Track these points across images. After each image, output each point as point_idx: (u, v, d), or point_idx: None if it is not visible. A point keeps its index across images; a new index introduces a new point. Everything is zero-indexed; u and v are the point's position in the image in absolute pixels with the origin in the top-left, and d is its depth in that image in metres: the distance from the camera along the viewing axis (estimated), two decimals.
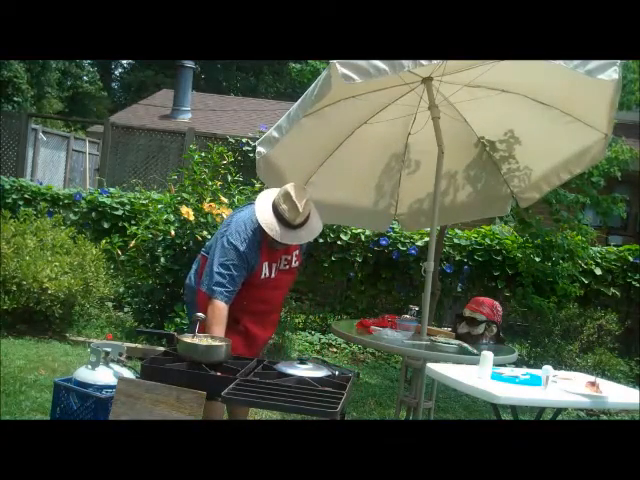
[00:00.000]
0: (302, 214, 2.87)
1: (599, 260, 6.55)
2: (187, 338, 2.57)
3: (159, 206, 6.19)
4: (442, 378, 2.75)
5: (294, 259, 3.13)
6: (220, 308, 2.85)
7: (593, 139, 3.53)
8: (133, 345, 5.34)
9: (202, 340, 2.57)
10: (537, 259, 6.14)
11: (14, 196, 7.41)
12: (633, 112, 7.10)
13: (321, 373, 2.46)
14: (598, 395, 2.53)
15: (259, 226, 2.91)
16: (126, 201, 7.19)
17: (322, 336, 6.63)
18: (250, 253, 2.91)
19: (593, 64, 2.64)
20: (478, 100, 3.55)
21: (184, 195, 5.89)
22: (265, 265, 2.99)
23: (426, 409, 3.70)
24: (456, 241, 6.65)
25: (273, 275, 3.04)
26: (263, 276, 3.00)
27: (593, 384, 2.58)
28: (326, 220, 3.51)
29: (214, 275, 2.87)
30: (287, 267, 3.11)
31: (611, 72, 2.64)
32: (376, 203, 4.23)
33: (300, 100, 3.09)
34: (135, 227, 6.30)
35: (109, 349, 2.81)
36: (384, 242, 6.62)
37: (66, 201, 7.40)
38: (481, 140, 3.93)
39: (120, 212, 7.09)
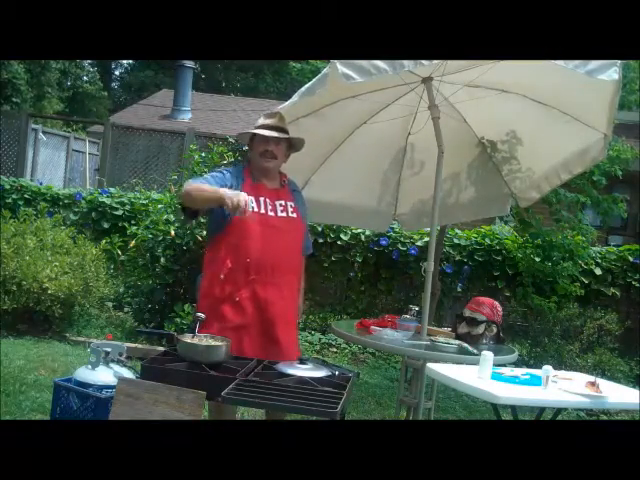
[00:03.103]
0: (281, 119, 3.04)
1: (599, 260, 6.53)
2: (187, 338, 2.57)
3: (159, 206, 6.19)
4: (442, 378, 2.75)
5: (290, 209, 3.08)
6: (189, 184, 3.00)
7: (593, 139, 3.53)
8: (133, 345, 5.33)
9: (202, 340, 2.58)
10: (537, 259, 6.13)
11: (14, 196, 7.40)
12: (633, 112, 7.10)
13: (321, 373, 2.46)
14: (598, 395, 2.53)
15: (240, 168, 3.15)
16: (126, 201, 7.18)
17: (322, 336, 6.62)
18: (230, 175, 3.05)
19: (593, 64, 2.64)
20: (478, 100, 3.55)
21: None
22: (251, 198, 2.95)
23: (426, 409, 3.70)
24: (456, 241, 6.64)
25: (265, 212, 3.01)
26: (250, 208, 2.94)
27: (593, 384, 2.58)
28: (326, 220, 3.51)
29: None
30: (285, 214, 3.06)
31: (611, 72, 2.64)
32: (376, 203, 4.22)
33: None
34: (135, 227, 6.30)
35: (109, 349, 2.81)
36: (384, 242, 6.61)
37: (66, 201, 7.39)
38: (482, 141, 3.93)
39: (120, 212, 7.08)
